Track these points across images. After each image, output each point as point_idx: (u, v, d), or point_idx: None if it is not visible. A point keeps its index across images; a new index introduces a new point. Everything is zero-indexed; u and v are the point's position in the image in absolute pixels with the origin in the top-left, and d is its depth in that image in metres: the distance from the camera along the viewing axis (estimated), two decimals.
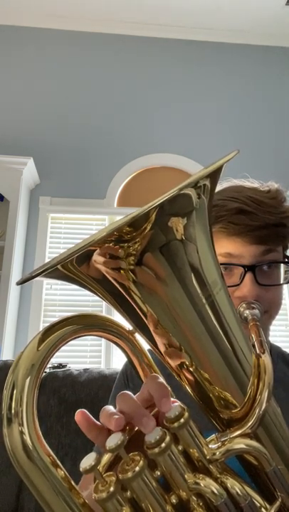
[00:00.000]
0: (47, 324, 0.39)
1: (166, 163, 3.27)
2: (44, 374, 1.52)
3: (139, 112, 3.37)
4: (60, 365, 2.00)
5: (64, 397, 1.43)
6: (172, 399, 0.41)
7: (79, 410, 0.42)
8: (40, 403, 1.40)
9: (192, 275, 0.39)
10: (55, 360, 2.37)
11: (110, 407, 0.40)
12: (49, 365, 2.18)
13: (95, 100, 3.35)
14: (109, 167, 3.19)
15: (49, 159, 3.14)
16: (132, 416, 0.39)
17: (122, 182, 3.19)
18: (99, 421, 0.42)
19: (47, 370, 1.69)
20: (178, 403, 0.40)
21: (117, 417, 0.38)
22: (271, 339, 0.83)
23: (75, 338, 0.40)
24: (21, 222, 2.79)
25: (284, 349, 0.89)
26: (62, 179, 3.13)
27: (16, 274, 2.62)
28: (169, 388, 0.41)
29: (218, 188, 0.75)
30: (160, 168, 3.27)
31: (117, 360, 2.67)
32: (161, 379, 0.41)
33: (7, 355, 2.46)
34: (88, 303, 2.82)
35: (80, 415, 0.42)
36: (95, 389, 1.44)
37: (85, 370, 1.55)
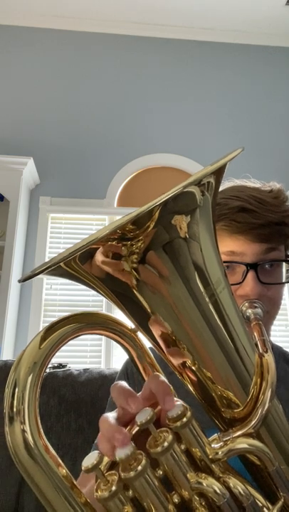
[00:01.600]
0: (47, 324, 0.39)
1: (166, 163, 3.27)
2: (44, 374, 1.51)
3: (139, 112, 3.37)
4: (60, 365, 2.00)
5: (64, 397, 1.43)
6: (174, 398, 0.41)
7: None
8: (40, 403, 1.40)
9: (196, 274, 0.39)
10: (55, 360, 2.37)
11: (110, 418, 0.40)
12: (49, 365, 2.18)
13: (95, 100, 3.35)
14: (109, 167, 3.19)
15: (49, 159, 3.14)
16: (119, 399, 0.40)
17: (121, 182, 3.19)
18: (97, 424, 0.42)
19: (47, 370, 1.69)
20: (180, 402, 0.40)
21: (120, 436, 0.37)
22: (271, 339, 0.83)
23: (77, 336, 0.40)
24: (21, 222, 2.79)
25: (284, 349, 0.89)
26: (62, 179, 3.13)
27: (16, 274, 2.62)
28: (171, 387, 0.41)
29: (221, 187, 0.75)
30: (160, 168, 3.27)
31: (117, 360, 2.67)
32: (163, 378, 0.41)
33: (7, 355, 2.46)
34: (88, 303, 2.82)
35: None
36: (95, 389, 1.44)
37: (85, 370, 1.55)
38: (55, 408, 1.40)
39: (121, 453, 0.36)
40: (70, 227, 3.05)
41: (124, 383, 0.42)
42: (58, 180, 3.12)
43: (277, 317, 0.75)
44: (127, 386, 0.42)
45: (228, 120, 3.44)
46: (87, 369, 1.56)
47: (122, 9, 3.36)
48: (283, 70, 3.66)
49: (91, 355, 2.72)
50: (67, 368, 1.76)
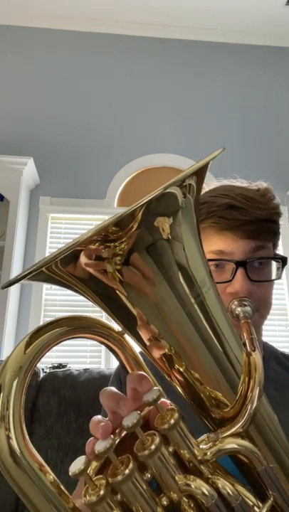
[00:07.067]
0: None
1: (166, 163, 3.27)
2: (44, 374, 1.52)
3: (139, 111, 3.37)
4: (60, 365, 2.00)
5: (64, 397, 1.43)
6: (164, 400, 0.40)
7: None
8: (40, 403, 1.40)
9: (180, 275, 0.39)
10: (55, 360, 2.37)
11: (98, 417, 0.41)
12: (49, 365, 2.18)
13: (95, 100, 3.34)
14: (109, 167, 3.19)
15: (49, 159, 3.14)
16: (109, 404, 0.40)
17: (121, 182, 3.19)
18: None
19: (47, 371, 1.69)
20: (172, 404, 0.40)
21: (103, 424, 0.38)
22: (271, 339, 0.83)
23: (64, 340, 0.40)
24: (21, 222, 2.80)
25: (284, 349, 0.89)
26: (62, 179, 3.13)
27: (15, 274, 2.62)
28: (160, 388, 0.40)
29: (208, 188, 0.76)
30: (160, 168, 3.26)
31: (116, 360, 2.67)
32: (141, 372, 0.42)
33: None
34: (88, 303, 2.78)
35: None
36: (95, 389, 1.44)
37: (85, 370, 1.55)
38: (55, 408, 1.40)
39: (99, 445, 0.36)
40: (70, 227, 3.05)
41: (112, 388, 0.42)
42: (57, 180, 3.12)
43: (277, 317, 0.75)
44: (116, 390, 0.42)
45: (228, 120, 3.42)
46: (87, 369, 1.56)
47: (122, 9, 3.34)
48: (283, 70, 3.64)
49: (91, 355, 2.71)
50: (67, 368, 1.76)
